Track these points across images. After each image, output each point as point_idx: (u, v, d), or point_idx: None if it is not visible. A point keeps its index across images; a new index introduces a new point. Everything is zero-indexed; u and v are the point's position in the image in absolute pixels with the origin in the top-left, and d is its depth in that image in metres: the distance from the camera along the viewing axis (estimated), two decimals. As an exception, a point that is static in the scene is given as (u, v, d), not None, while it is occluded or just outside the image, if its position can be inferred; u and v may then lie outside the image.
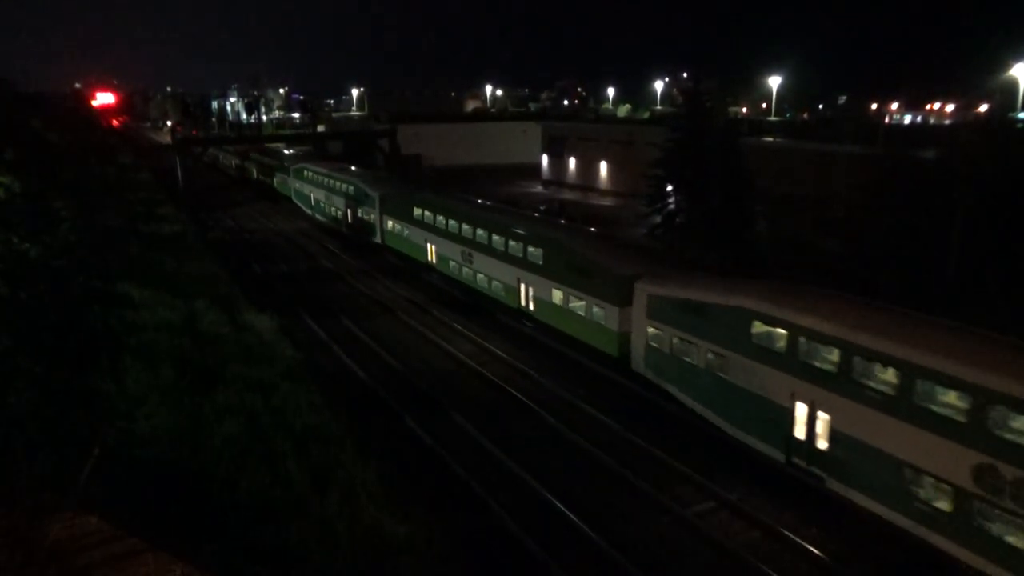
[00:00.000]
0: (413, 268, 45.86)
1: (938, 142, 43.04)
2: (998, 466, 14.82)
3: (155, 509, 10.60)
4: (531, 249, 32.86)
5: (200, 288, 31.44)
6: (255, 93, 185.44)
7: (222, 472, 13.74)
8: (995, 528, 15.14)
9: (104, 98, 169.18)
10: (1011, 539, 14.83)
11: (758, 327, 20.74)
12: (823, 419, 18.97)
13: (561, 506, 19.02)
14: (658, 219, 48.21)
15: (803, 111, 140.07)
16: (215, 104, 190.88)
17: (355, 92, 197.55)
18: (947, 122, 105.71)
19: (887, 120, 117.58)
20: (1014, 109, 62.54)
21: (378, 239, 50.91)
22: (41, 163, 39.16)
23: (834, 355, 18.54)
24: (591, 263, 28.91)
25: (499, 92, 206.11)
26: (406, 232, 46.36)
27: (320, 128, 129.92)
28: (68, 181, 40.31)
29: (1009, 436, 14.81)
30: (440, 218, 41.58)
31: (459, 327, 35.17)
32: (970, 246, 32.75)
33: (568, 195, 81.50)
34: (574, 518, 18.47)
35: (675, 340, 24.16)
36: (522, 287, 33.78)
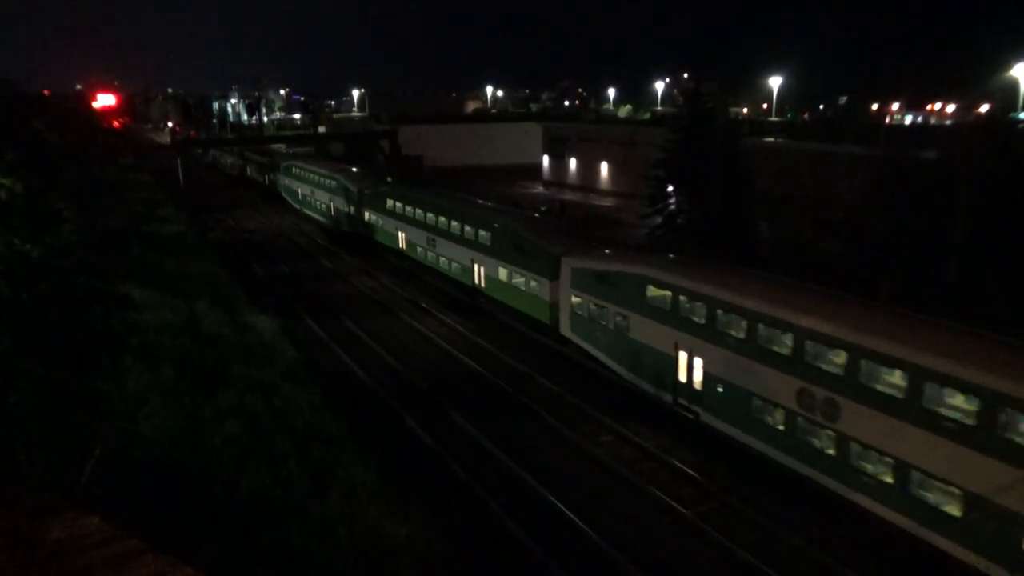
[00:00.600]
0: (406, 263, 47.59)
1: (939, 142, 43.01)
2: (812, 389, 19.31)
3: (156, 510, 10.60)
4: (481, 233, 37.03)
5: (201, 288, 31.47)
6: (256, 94, 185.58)
7: (223, 473, 13.75)
8: (810, 438, 19.69)
9: (105, 99, 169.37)
10: (818, 443, 19.52)
11: (651, 290, 25.15)
12: (698, 364, 23.35)
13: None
14: (659, 220, 48.20)
15: (804, 111, 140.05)
16: (216, 105, 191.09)
17: (356, 93, 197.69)
18: (948, 122, 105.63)
19: (888, 120, 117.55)
20: (1015, 109, 62.56)
21: (357, 229, 54.77)
22: (42, 164, 39.23)
23: (704, 310, 22.84)
24: (528, 243, 33.15)
25: (500, 93, 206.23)
26: (380, 222, 50.43)
27: (321, 129, 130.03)
28: (69, 182, 40.38)
29: (818, 365, 19.18)
30: (408, 208, 45.83)
31: (448, 320, 37.02)
32: (971, 246, 32.74)
33: (569, 196, 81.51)
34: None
35: (592, 306, 28.39)
36: (475, 267, 37.95)
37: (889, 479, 17.75)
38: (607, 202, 77.39)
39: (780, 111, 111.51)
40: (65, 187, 37.88)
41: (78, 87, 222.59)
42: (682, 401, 24.30)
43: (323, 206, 62.22)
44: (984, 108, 79.72)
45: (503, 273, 35.40)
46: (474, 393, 27.92)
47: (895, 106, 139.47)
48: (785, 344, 20.12)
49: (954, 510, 16.32)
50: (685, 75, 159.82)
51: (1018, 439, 15.12)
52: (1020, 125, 46.76)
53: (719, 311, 22.32)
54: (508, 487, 20.81)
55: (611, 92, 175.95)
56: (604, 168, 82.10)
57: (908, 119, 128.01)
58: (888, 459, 17.70)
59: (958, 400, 16.49)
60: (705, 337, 22.82)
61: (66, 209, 30.68)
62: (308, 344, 32.77)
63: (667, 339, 24.42)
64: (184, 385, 17.30)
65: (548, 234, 33.86)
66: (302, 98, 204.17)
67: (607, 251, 31.10)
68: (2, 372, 13.59)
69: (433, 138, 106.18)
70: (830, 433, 19.03)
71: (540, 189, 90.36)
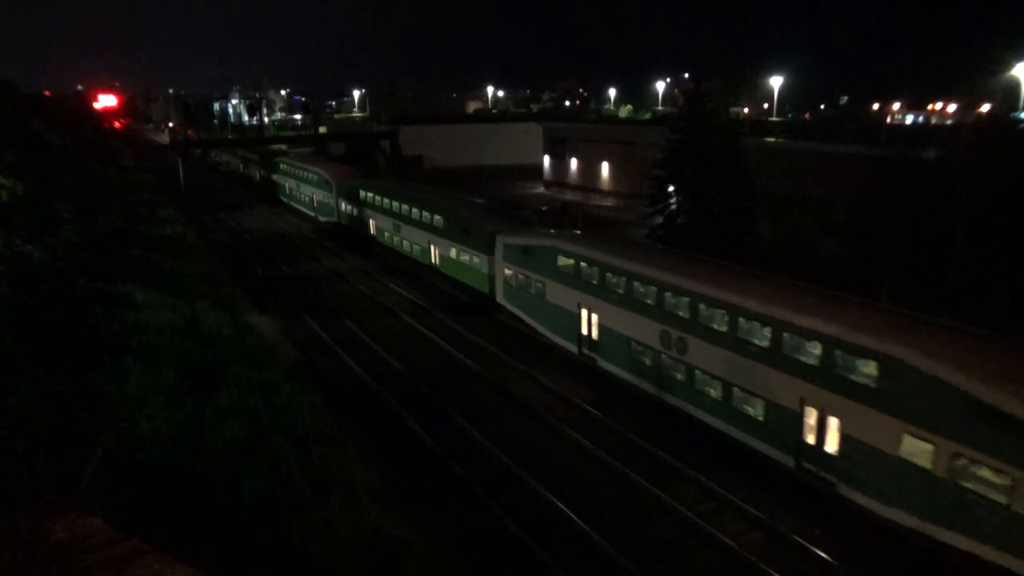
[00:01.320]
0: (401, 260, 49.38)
1: (940, 142, 43.00)
2: (669, 331, 24.63)
3: (157, 511, 10.60)
4: (436, 218, 42.63)
5: (201, 289, 31.48)
6: (257, 95, 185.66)
7: (224, 473, 13.73)
8: (668, 369, 25.05)
9: (106, 100, 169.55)
10: (674, 374, 24.85)
11: (561, 259, 30.62)
12: (595, 319, 28.87)
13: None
14: (660, 219, 48.22)
15: (805, 111, 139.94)
16: (216, 106, 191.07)
17: (356, 93, 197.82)
18: (949, 122, 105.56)
19: (889, 120, 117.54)
20: (1016, 109, 62.50)
21: (334, 218, 60.91)
22: (43, 165, 39.24)
23: (597, 273, 28.22)
24: (471, 225, 38.63)
25: (500, 93, 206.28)
26: (355, 211, 56.17)
27: (322, 130, 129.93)
28: (70, 183, 40.39)
29: (674, 311, 24.44)
30: (377, 198, 51.51)
31: (451, 322, 36.72)
32: (972, 246, 32.71)
33: (570, 196, 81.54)
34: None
35: (520, 276, 33.79)
36: (432, 248, 43.57)
37: (720, 397, 22.97)
38: (608, 202, 77.40)
39: (781, 111, 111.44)
40: (66, 188, 37.91)
41: (79, 88, 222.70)
42: (584, 351, 29.91)
43: (307, 198, 68.11)
44: (985, 108, 79.66)
45: (452, 252, 40.96)
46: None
47: (896, 106, 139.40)
48: (651, 296, 25.50)
49: (759, 415, 21.58)
50: (686, 75, 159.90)
51: (797, 356, 20.21)
52: (1021, 125, 46.71)
53: (608, 274, 27.76)
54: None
55: (612, 92, 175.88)
56: (605, 168, 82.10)
57: (909, 119, 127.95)
58: (718, 380, 22.98)
59: (759, 328, 21.44)
60: (599, 296, 28.38)
61: (67, 210, 30.72)
62: (309, 344, 32.80)
63: (572, 299, 29.99)
64: (185, 386, 17.29)
65: (487, 217, 39.23)
66: (303, 99, 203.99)
67: (534, 229, 36.80)
68: (3, 373, 13.60)
69: (434, 138, 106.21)
70: (681, 364, 24.45)
71: (541, 189, 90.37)
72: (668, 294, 24.68)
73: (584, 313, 29.39)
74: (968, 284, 32.10)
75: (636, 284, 26.20)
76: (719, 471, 21.19)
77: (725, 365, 22.52)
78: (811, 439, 20.10)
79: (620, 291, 27.08)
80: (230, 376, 19.71)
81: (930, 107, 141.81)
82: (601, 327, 28.57)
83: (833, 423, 19.46)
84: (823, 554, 17.27)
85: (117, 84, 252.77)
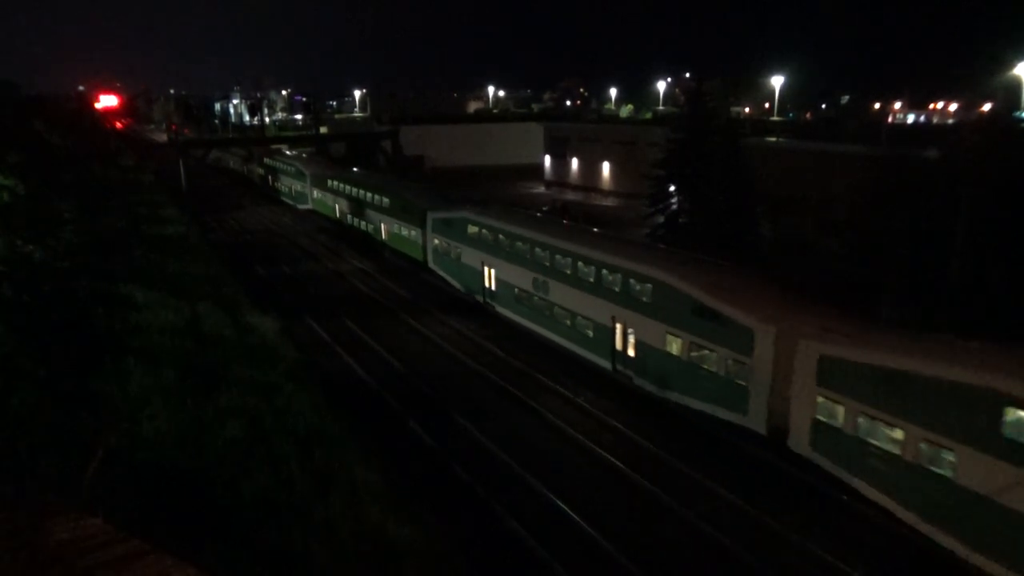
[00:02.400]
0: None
1: (941, 142, 42.95)
2: (538, 276, 32.18)
3: (158, 511, 10.62)
4: (386, 200, 50.20)
5: (203, 289, 31.49)
6: (258, 95, 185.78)
7: (225, 474, 13.75)
8: (540, 308, 32.49)
9: (107, 100, 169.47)
10: (543, 311, 32.10)
11: (470, 228, 38.10)
12: (493, 274, 36.17)
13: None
14: (661, 219, 48.19)
15: (806, 111, 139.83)
16: (218, 106, 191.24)
17: (357, 94, 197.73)
18: (950, 122, 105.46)
19: (890, 120, 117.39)
20: (1017, 108, 62.45)
21: (309, 205, 69.41)
22: (45, 166, 39.26)
23: (493, 237, 35.70)
24: (410, 204, 46.28)
25: (501, 93, 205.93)
26: (324, 198, 64.67)
27: (323, 130, 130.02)
28: (71, 183, 40.41)
29: (540, 261, 31.93)
30: (341, 186, 59.40)
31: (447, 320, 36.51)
32: (973, 245, 32.68)
33: (571, 196, 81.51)
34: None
35: (443, 244, 41.58)
36: (382, 226, 51.14)
37: (569, 324, 30.19)
38: (609, 202, 77.37)
39: (782, 111, 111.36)
40: (67, 189, 37.93)
41: (80, 88, 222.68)
42: (487, 300, 37.06)
43: (287, 188, 76.76)
44: (986, 107, 79.55)
45: (395, 227, 48.75)
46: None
47: (897, 105, 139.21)
48: (526, 251, 32.80)
49: (591, 334, 28.93)
50: (687, 74, 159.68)
51: (609, 287, 27.51)
52: (1022, 124, 46.65)
53: (500, 236, 35.11)
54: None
55: (612, 92, 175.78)
56: (606, 168, 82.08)
57: (910, 118, 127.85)
58: (568, 311, 30.15)
59: (590, 269, 28.60)
60: (495, 255, 35.76)
61: (68, 211, 30.73)
62: (310, 345, 32.79)
63: (478, 260, 37.27)
64: (186, 386, 17.31)
65: (424, 196, 47.10)
66: (304, 99, 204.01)
67: (460, 205, 42.89)
68: (5, 373, 13.62)
69: (435, 138, 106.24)
70: (546, 302, 31.64)
71: (542, 189, 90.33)
72: (537, 249, 31.97)
73: (486, 270, 36.83)
74: (969, 283, 32.05)
75: (517, 243, 33.57)
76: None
77: (572, 299, 29.90)
78: (619, 346, 27.58)
79: (507, 250, 34.56)
80: (231, 376, 19.73)
81: (931, 106, 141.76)
82: (497, 280, 35.92)
83: (630, 332, 26.94)
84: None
85: (118, 84, 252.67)
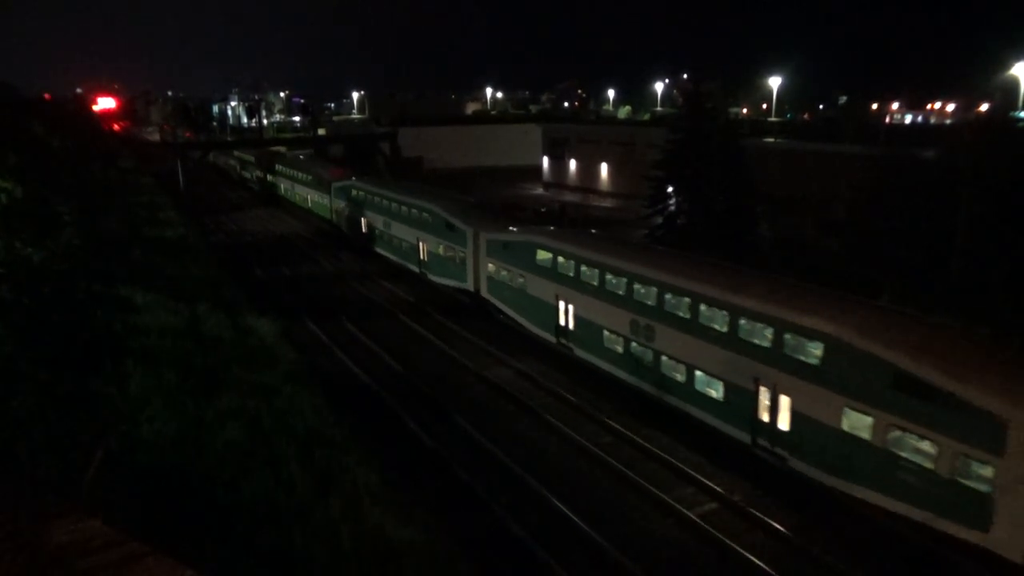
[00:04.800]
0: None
1: (939, 142, 42.99)
2: (381, 220, 49.29)
3: (158, 513, 10.60)
4: (309, 178, 67.91)
5: (202, 291, 31.47)
6: (256, 97, 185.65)
7: (225, 476, 13.73)
8: (394, 243, 47.97)
9: (105, 103, 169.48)
10: (388, 239, 49.25)
11: (353, 192, 54.50)
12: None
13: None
14: (659, 220, 48.20)
15: (804, 112, 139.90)
16: (216, 108, 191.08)
17: (355, 95, 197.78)
18: (948, 121, 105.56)
19: (888, 120, 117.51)
20: (1015, 108, 62.51)
21: (266, 189, 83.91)
22: (43, 168, 39.20)
23: (369, 199, 51.50)
24: (321, 177, 63.82)
25: (499, 94, 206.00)
26: (283, 186, 78.52)
27: (321, 132, 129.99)
28: (70, 185, 40.36)
29: (393, 219, 48.23)
30: (289, 170, 75.57)
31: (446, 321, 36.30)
32: (972, 245, 32.71)
33: (569, 197, 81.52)
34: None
35: (343, 207, 57.15)
36: (308, 198, 68.83)
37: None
38: (607, 203, 77.38)
39: (780, 111, 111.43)
40: (66, 190, 37.88)
41: (79, 90, 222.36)
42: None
43: (254, 178, 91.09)
44: (984, 107, 79.65)
45: (315, 197, 65.94)
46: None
47: (895, 105, 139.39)
48: (387, 207, 47.26)
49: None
50: (684, 75, 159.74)
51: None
52: (1020, 124, 46.71)
53: (379, 199, 48.40)
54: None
55: (611, 93, 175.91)
56: (604, 169, 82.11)
57: (908, 118, 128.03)
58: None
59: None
60: (375, 212, 50.26)
61: (67, 213, 30.67)
62: (309, 346, 32.78)
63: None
64: (186, 388, 17.29)
65: (331, 170, 64.29)
66: (302, 101, 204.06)
67: (360, 177, 58.25)
68: (4, 375, 13.59)
69: (433, 140, 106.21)
70: (392, 237, 46.22)
71: (540, 191, 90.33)
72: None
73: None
74: (969, 283, 32.08)
75: (392, 205, 44.53)
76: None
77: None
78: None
79: (388, 213, 48.04)
80: (231, 378, 19.72)
81: (929, 107, 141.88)
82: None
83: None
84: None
85: (116, 86, 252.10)
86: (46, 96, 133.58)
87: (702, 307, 22.87)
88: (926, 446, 16.76)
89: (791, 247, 44.31)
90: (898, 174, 38.57)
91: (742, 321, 21.46)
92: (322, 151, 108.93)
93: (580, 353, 29.56)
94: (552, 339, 31.34)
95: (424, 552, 14.18)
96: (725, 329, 21.98)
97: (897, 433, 17.32)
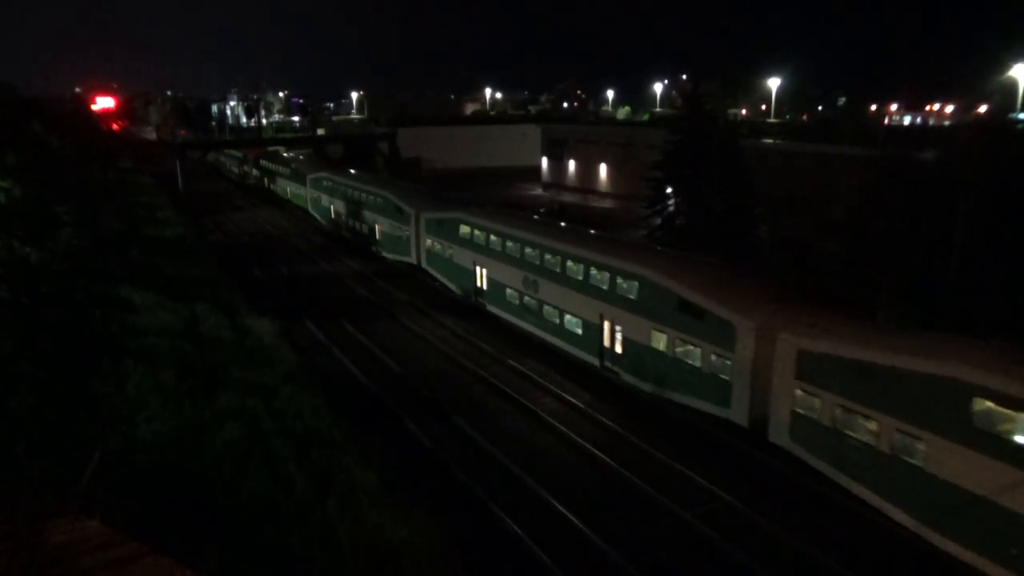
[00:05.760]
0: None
1: (938, 143, 43.02)
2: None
3: (157, 513, 10.60)
4: (289, 171, 74.59)
5: (200, 291, 31.46)
6: (255, 97, 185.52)
7: (223, 476, 13.73)
8: (336, 214, 59.27)
9: (104, 102, 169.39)
10: (329, 210, 61.14)
11: (326, 183, 61.80)
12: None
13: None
14: (658, 221, 48.19)
15: (803, 113, 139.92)
16: (215, 108, 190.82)
17: (355, 95, 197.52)
18: (947, 123, 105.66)
19: (886, 121, 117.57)
20: (1013, 109, 62.60)
21: (250, 180, 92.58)
22: (42, 167, 39.17)
23: (331, 186, 60.20)
24: (299, 172, 70.25)
25: (498, 95, 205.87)
26: (265, 179, 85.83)
27: (320, 132, 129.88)
28: (69, 185, 40.33)
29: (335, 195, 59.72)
30: (269, 164, 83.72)
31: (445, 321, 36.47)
32: (971, 246, 32.73)
33: (568, 198, 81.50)
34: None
35: (320, 198, 63.16)
36: (288, 190, 75.36)
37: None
38: (606, 203, 77.38)
39: (779, 112, 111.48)
40: (65, 190, 37.86)
41: (77, 90, 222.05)
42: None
43: (236, 171, 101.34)
44: (983, 108, 79.69)
45: (294, 190, 72.75)
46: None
47: (894, 107, 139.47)
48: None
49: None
50: (684, 76, 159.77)
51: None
52: (1019, 125, 46.78)
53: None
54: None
55: (610, 94, 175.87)
56: (603, 170, 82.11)
57: (907, 120, 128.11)
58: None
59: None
60: (327, 192, 60.61)
61: (66, 213, 30.66)
62: (308, 347, 32.75)
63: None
64: (184, 388, 17.29)
65: (311, 166, 71.91)
66: (301, 101, 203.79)
67: (335, 170, 65.63)
68: (3, 376, 13.59)
69: (432, 140, 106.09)
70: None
71: (539, 191, 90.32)
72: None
73: (332, 209, 59.39)
74: (967, 284, 32.09)
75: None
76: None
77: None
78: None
79: (352, 201, 54.46)
80: (229, 378, 19.72)
81: (928, 108, 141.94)
82: (344, 216, 56.68)
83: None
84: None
85: (115, 86, 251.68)
86: (44, 95, 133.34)
87: (568, 262, 29.57)
88: (695, 351, 23.40)
89: (790, 248, 44.30)
90: (897, 175, 38.58)
91: (592, 270, 28.24)
92: (321, 151, 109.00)
93: (491, 308, 36.17)
94: (470, 297, 38.08)
95: (422, 551, 14.17)
96: (581, 278, 28.83)
97: (681, 344, 23.98)
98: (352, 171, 64.61)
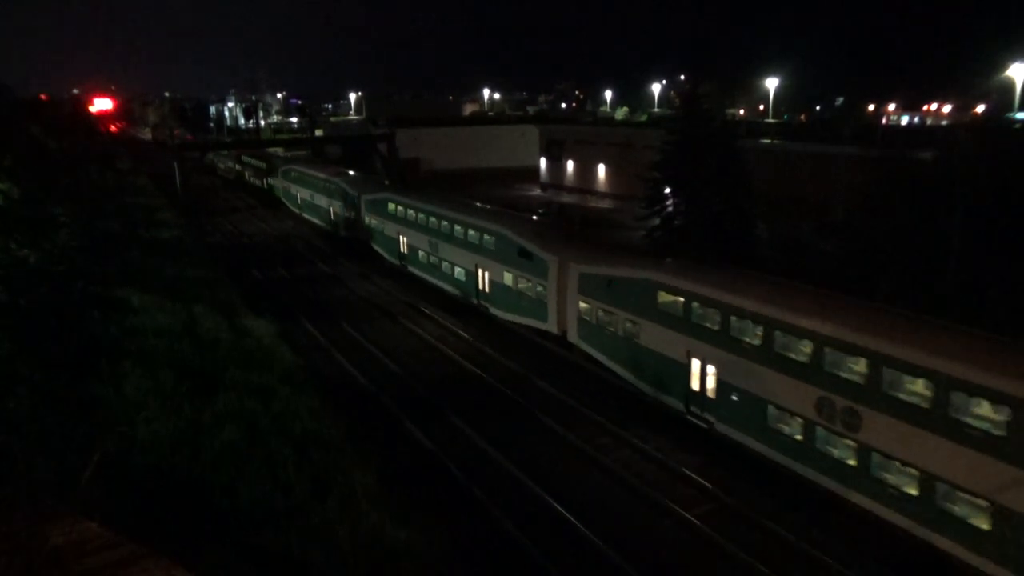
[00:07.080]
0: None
1: (936, 143, 43.06)
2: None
3: (155, 515, 10.58)
4: (263, 165, 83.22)
5: (199, 293, 31.44)
6: (253, 98, 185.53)
7: (222, 477, 13.71)
8: (341, 219, 59.31)
9: (102, 104, 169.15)
10: (349, 219, 58.13)
11: (293, 174, 71.09)
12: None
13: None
14: (656, 221, 48.18)
15: (801, 113, 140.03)
16: (213, 109, 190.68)
17: (353, 96, 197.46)
18: (944, 123, 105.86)
19: (884, 121, 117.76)
20: (1011, 109, 62.73)
21: (232, 176, 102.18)
22: (40, 169, 39.14)
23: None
24: (272, 165, 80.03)
25: (497, 96, 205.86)
26: (240, 169, 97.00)
27: (318, 132, 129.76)
28: (67, 187, 40.31)
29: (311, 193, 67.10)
30: (249, 160, 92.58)
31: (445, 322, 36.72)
32: (969, 246, 32.76)
33: (567, 198, 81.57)
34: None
35: (287, 186, 72.62)
36: (263, 181, 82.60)
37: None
38: (604, 204, 77.45)
39: (777, 113, 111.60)
40: (63, 192, 37.84)
41: (75, 91, 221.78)
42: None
43: (222, 168, 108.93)
44: (980, 108, 79.85)
45: (272, 182, 78.98)
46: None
47: (891, 107, 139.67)
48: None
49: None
50: (682, 77, 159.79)
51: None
52: (1016, 125, 46.85)
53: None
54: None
55: (608, 94, 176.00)
56: (601, 170, 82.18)
57: (905, 120, 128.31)
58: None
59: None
60: (299, 184, 68.66)
61: (64, 214, 30.63)
62: (306, 348, 32.75)
63: (324, 201, 61.17)
64: (182, 389, 17.27)
65: (281, 160, 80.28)
66: (299, 102, 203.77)
67: (311, 163, 72.59)
68: (1, 377, 13.57)
69: (430, 141, 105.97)
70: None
71: (537, 191, 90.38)
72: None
73: (298, 197, 67.68)
74: (965, 284, 32.13)
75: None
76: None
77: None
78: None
79: (312, 187, 64.23)
80: (228, 380, 19.69)
81: (926, 108, 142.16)
82: (304, 201, 67.53)
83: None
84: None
85: (113, 87, 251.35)
86: (43, 97, 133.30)
87: (456, 227, 38.99)
88: (526, 283, 32.86)
89: (788, 248, 44.33)
90: (895, 175, 38.61)
91: (470, 231, 37.61)
92: (319, 152, 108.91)
93: (411, 269, 45.58)
94: (397, 263, 47.47)
95: (421, 553, 14.16)
96: (463, 238, 38.28)
97: (522, 281, 33.27)
98: (315, 163, 73.81)
